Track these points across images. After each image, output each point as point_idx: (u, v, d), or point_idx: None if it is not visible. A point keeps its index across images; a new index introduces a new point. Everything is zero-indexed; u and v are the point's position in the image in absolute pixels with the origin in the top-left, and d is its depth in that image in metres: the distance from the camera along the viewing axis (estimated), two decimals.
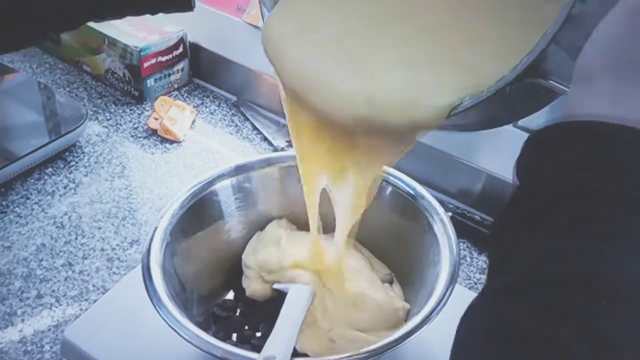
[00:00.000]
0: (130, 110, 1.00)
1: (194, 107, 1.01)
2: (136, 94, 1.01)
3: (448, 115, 0.42)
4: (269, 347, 0.49)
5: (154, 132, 0.96)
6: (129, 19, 1.02)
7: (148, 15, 1.02)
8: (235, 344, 0.59)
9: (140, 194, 0.86)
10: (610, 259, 0.32)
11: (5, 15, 0.51)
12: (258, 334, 0.61)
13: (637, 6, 0.34)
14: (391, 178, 0.65)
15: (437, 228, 0.60)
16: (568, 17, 0.37)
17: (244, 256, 0.65)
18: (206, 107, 1.02)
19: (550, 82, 0.39)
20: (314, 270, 0.60)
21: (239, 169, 0.66)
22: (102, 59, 1.03)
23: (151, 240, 0.58)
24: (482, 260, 0.79)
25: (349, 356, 0.50)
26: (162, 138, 0.95)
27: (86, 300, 0.72)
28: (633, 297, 0.32)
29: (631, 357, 0.31)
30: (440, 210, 0.62)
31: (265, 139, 0.96)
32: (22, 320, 0.69)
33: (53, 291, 0.72)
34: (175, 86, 1.05)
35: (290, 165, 0.68)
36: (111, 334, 0.62)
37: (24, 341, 0.67)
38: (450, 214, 0.81)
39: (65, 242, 0.78)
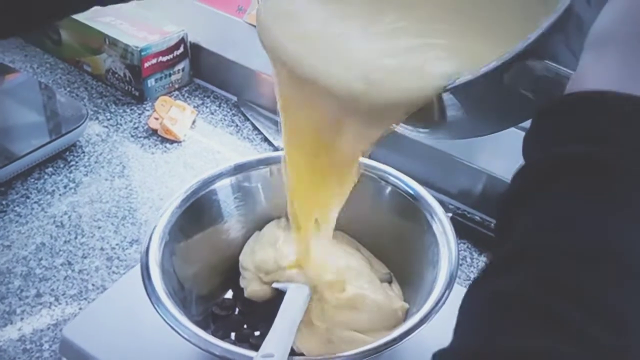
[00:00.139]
0: (131, 110, 1.00)
1: (194, 107, 1.01)
2: (137, 93, 1.01)
3: (444, 89, 0.42)
4: (267, 345, 0.49)
5: (154, 132, 0.96)
6: (130, 18, 1.03)
7: (149, 15, 1.02)
8: (234, 343, 0.59)
9: (140, 193, 0.86)
10: (615, 230, 0.32)
11: None
12: (257, 333, 0.61)
13: None
14: (391, 178, 0.65)
15: (437, 228, 0.60)
16: (569, 7, 0.37)
17: (241, 257, 0.65)
18: (207, 107, 1.02)
19: (550, 64, 0.39)
20: (309, 273, 0.60)
21: (238, 168, 0.66)
22: (103, 59, 1.03)
23: (150, 239, 0.58)
24: (482, 261, 0.79)
25: (348, 355, 0.50)
26: (162, 138, 0.95)
27: (85, 299, 0.72)
28: (634, 273, 0.31)
29: (633, 331, 0.31)
30: (440, 210, 0.62)
31: (266, 139, 0.96)
32: (22, 319, 0.69)
33: (52, 290, 0.72)
34: (176, 86, 1.05)
35: None
36: (110, 333, 0.62)
37: (23, 340, 0.67)
38: (450, 214, 0.81)
39: (65, 242, 0.78)
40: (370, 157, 0.68)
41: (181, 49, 1.03)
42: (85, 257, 0.76)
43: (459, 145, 0.85)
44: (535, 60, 0.39)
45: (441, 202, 0.64)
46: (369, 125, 0.47)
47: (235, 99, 1.04)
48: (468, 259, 0.79)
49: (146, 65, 0.99)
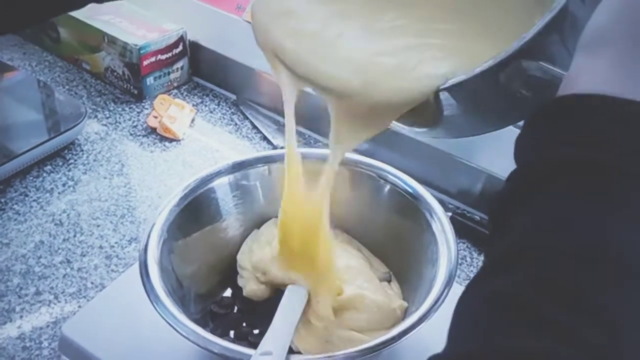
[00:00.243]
0: (130, 108, 1.00)
1: (193, 105, 1.01)
2: (135, 92, 1.01)
3: (439, 89, 0.42)
4: (266, 343, 0.49)
5: (153, 131, 0.96)
6: (129, 16, 1.02)
7: (148, 14, 1.02)
8: (233, 341, 0.59)
9: (139, 192, 0.86)
10: (614, 231, 0.32)
11: None
12: (255, 331, 0.61)
13: None
14: (390, 177, 0.65)
15: (436, 226, 0.60)
16: (566, 4, 0.37)
17: (239, 256, 0.65)
18: (206, 105, 1.02)
19: (544, 65, 0.39)
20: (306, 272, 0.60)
21: (237, 166, 0.66)
22: (102, 57, 1.03)
23: (148, 237, 0.58)
24: (481, 260, 0.79)
25: (346, 354, 0.50)
26: (161, 136, 0.95)
27: (84, 297, 0.72)
28: (634, 273, 0.31)
29: (630, 333, 0.31)
30: (439, 208, 0.62)
31: (265, 138, 0.96)
32: (21, 317, 0.69)
33: (51, 288, 0.72)
34: (175, 84, 1.05)
35: None
36: (109, 330, 0.62)
37: (22, 337, 0.67)
38: (450, 214, 0.81)
39: (64, 240, 0.78)
40: (369, 156, 0.68)
41: (180, 47, 1.03)
42: (84, 255, 0.76)
43: (458, 145, 0.85)
44: (530, 60, 0.39)
45: (441, 202, 0.64)
46: (364, 123, 0.47)
47: (234, 97, 1.04)
48: (468, 259, 0.79)
49: (145, 63, 0.99)
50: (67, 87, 1.04)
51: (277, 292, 0.61)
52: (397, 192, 0.65)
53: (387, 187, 0.65)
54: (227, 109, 1.02)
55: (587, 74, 0.35)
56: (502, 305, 0.32)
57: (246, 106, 1.01)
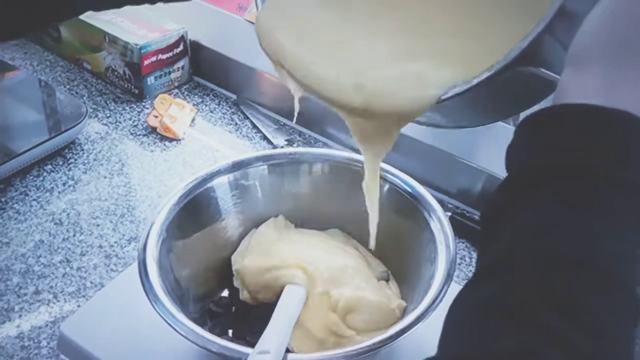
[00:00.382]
0: (130, 108, 1.01)
1: (193, 105, 1.01)
2: (136, 91, 1.01)
3: (439, 100, 0.42)
4: (263, 342, 0.49)
5: (153, 130, 0.96)
6: (129, 16, 1.03)
7: (149, 13, 1.02)
8: (231, 340, 0.59)
9: (139, 191, 0.86)
10: (598, 238, 0.33)
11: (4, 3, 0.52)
12: (254, 331, 0.61)
13: None
14: (388, 176, 0.65)
15: (434, 225, 0.60)
16: (561, 6, 0.37)
17: (233, 259, 0.65)
18: (206, 105, 1.02)
19: (542, 70, 0.39)
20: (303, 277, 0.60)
21: (236, 166, 0.66)
22: (103, 56, 1.03)
23: (147, 235, 0.58)
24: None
25: (344, 353, 0.50)
26: (161, 136, 0.95)
27: (84, 296, 0.72)
28: (617, 281, 0.32)
29: (612, 339, 0.31)
30: (438, 207, 0.62)
31: (265, 137, 0.96)
32: (20, 316, 0.69)
33: (51, 287, 0.73)
34: (176, 84, 1.05)
35: (288, 162, 0.68)
36: (107, 329, 0.62)
37: (21, 337, 0.67)
38: (449, 213, 0.81)
39: (64, 239, 0.78)
40: None
41: (181, 47, 1.03)
42: (84, 255, 0.76)
43: (458, 145, 0.85)
44: (526, 65, 0.39)
45: (440, 201, 0.64)
46: (373, 131, 0.48)
47: (234, 97, 1.04)
48: (467, 258, 0.79)
49: (146, 63, 0.99)
50: (68, 86, 1.04)
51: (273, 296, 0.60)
52: (395, 192, 0.65)
53: (386, 186, 0.65)
54: (228, 108, 1.02)
55: (574, 87, 0.36)
56: (493, 311, 0.33)
57: (246, 106, 1.01)
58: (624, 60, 0.35)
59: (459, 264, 0.78)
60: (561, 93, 0.36)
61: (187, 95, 1.04)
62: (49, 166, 0.88)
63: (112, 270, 0.75)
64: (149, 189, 0.86)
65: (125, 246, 0.78)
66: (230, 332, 0.62)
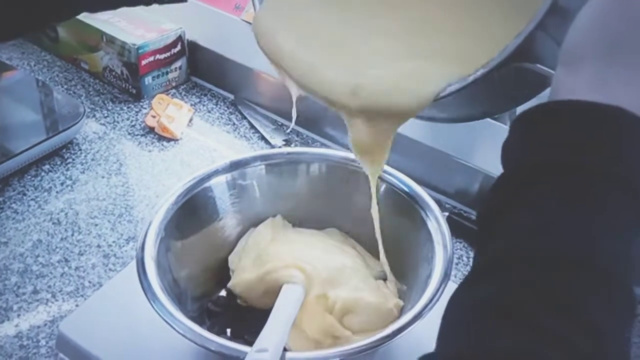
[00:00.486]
0: (128, 108, 1.01)
1: (191, 105, 1.01)
2: (134, 91, 1.02)
3: (436, 97, 0.43)
4: (261, 340, 0.50)
5: (151, 130, 0.96)
6: (127, 16, 1.03)
7: (146, 13, 1.02)
8: (229, 339, 0.59)
9: (137, 191, 0.86)
10: (594, 237, 0.33)
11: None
12: (252, 329, 0.61)
13: None
14: (386, 175, 0.65)
15: (431, 225, 0.61)
16: (553, 3, 0.37)
17: (230, 259, 0.65)
18: (204, 105, 1.02)
19: (537, 65, 0.39)
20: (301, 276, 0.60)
21: (234, 165, 0.66)
22: (100, 56, 1.03)
23: (146, 235, 0.58)
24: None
25: (342, 351, 0.51)
26: (159, 136, 0.95)
27: (82, 296, 0.72)
28: (615, 280, 0.32)
29: (609, 338, 0.31)
30: (435, 207, 0.62)
31: (263, 137, 0.96)
32: (18, 315, 0.70)
33: (49, 287, 0.73)
34: (173, 84, 1.05)
35: (285, 162, 0.68)
36: (106, 328, 0.62)
37: (20, 336, 0.67)
38: (447, 213, 0.81)
39: (62, 239, 0.78)
40: None
41: (178, 47, 1.03)
42: (82, 254, 0.77)
43: (457, 145, 0.86)
44: (522, 62, 0.40)
45: (438, 201, 0.64)
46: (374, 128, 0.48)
47: (232, 97, 1.04)
48: (464, 258, 0.79)
49: (143, 63, 0.99)
50: (65, 86, 1.04)
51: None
52: (393, 191, 0.65)
53: (383, 186, 0.65)
54: (225, 108, 1.02)
55: (568, 84, 0.36)
56: (490, 310, 0.33)
57: (244, 106, 1.01)
58: (615, 57, 0.35)
59: (457, 264, 0.78)
60: (555, 90, 0.37)
61: (184, 95, 1.04)
62: (47, 166, 0.89)
63: (110, 270, 0.75)
64: (147, 188, 0.86)
65: (123, 246, 0.78)
66: (228, 331, 0.62)
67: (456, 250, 0.79)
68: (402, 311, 0.60)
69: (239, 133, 0.97)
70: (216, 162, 0.67)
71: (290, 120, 0.98)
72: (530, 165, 0.36)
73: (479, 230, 0.38)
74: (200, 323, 0.56)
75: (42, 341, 0.67)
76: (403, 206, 0.64)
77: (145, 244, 0.58)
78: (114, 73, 1.03)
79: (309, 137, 0.97)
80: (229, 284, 0.63)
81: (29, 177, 0.87)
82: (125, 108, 1.01)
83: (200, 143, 0.95)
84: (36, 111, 0.96)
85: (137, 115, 0.99)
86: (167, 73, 1.03)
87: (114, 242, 0.78)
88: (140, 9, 1.05)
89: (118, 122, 0.98)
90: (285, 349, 0.51)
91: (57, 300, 0.71)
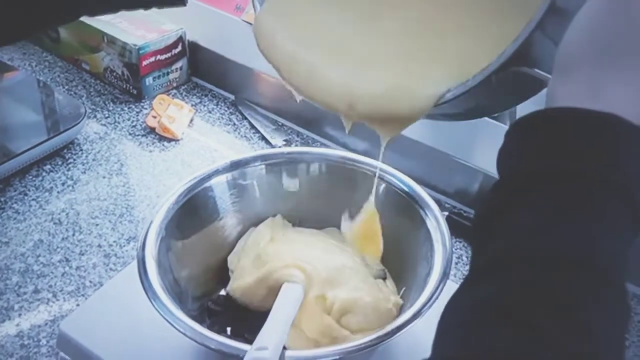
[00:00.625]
0: (129, 108, 1.01)
1: (192, 105, 1.01)
2: (135, 92, 1.02)
3: (435, 104, 0.43)
4: (261, 338, 0.50)
5: (152, 130, 0.96)
6: (128, 17, 1.03)
7: (147, 13, 1.02)
8: (230, 337, 0.59)
9: (138, 191, 0.86)
10: (591, 239, 0.33)
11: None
12: (252, 328, 0.62)
13: None
14: (385, 175, 0.65)
15: (431, 224, 0.61)
16: (551, 5, 0.37)
17: (229, 259, 0.65)
18: (204, 105, 1.03)
19: (535, 70, 0.40)
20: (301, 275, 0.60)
21: (234, 165, 0.66)
22: (101, 57, 1.03)
23: (146, 234, 0.59)
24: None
25: (341, 350, 0.51)
26: (160, 136, 0.95)
27: (83, 295, 0.72)
28: (610, 281, 0.32)
29: (606, 340, 0.32)
30: (434, 206, 0.62)
31: (263, 137, 0.96)
32: (19, 315, 0.70)
33: (50, 286, 0.73)
34: (174, 85, 1.05)
35: (285, 161, 0.68)
36: (107, 327, 0.62)
37: (21, 335, 0.68)
38: (446, 213, 0.81)
39: (63, 239, 0.79)
40: (366, 155, 0.68)
41: (179, 48, 1.04)
42: (83, 254, 0.77)
43: (456, 145, 0.86)
44: (520, 65, 0.40)
45: (437, 201, 0.64)
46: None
47: (232, 97, 1.04)
48: (464, 257, 0.80)
49: (144, 63, 1.00)
50: (66, 87, 1.05)
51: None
52: (392, 191, 0.65)
53: (383, 185, 0.65)
54: (226, 109, 1.02)
55: (563, 91, 0.36)
56: (489, 311, 0.33)
57: (244, 106, 1.02)
58: (609, 62, 0.35)
59: (456, 263, 0.78)
60: (551, 97, 0.37)
61: (185, 95, 1.05)
62: (48, 166, 0.89)
63: (111, 269, 0.75)
64: (148, 188, 0.87)
65: (124, 246, 0.78)
66: (228, 330, 0.62)
67: (455, 249, 0.79)
68: (401, 310, 0.61)
69: (239, 133, 0.97)
70: (217, 162, 0.67)
71: (290, 120, 0.98)
72: (526, 173, 0.36)
73: (476, 231, 0.38)
74: (201, 322, 0.56)
75: (43, 340, 0.67)
76: (403, 206, 0.64)
77: (146, 243, 0.58)
78: (114, 73, 1.03)
79: (309, 137, 0.97)
80: (228, 288, 0.63)
81: (30, 177, 0.87)
82: (126, 108, 1.01)
83: (200, 143, 0.95)
84: (37, 112, 0.97)
85: (137, 115, 0.99)
86: (167, 73, 1.04)
87: (114, 241, 0.79)
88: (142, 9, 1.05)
89: (119, 123, 0.98)
90: (284, 348, 0.51)
91: (58, 300, 0.71)
